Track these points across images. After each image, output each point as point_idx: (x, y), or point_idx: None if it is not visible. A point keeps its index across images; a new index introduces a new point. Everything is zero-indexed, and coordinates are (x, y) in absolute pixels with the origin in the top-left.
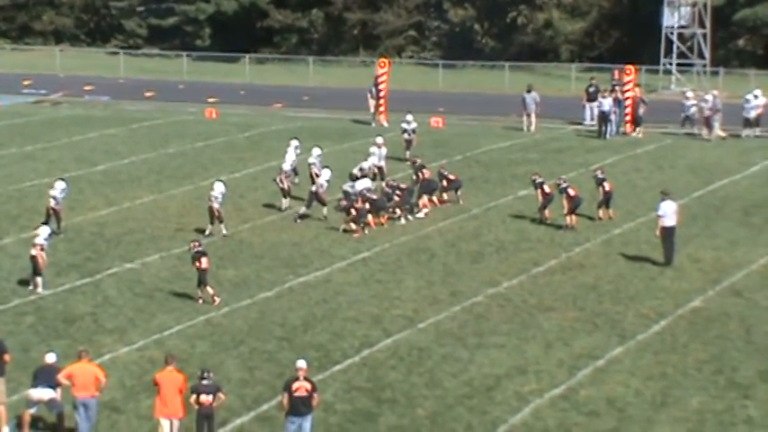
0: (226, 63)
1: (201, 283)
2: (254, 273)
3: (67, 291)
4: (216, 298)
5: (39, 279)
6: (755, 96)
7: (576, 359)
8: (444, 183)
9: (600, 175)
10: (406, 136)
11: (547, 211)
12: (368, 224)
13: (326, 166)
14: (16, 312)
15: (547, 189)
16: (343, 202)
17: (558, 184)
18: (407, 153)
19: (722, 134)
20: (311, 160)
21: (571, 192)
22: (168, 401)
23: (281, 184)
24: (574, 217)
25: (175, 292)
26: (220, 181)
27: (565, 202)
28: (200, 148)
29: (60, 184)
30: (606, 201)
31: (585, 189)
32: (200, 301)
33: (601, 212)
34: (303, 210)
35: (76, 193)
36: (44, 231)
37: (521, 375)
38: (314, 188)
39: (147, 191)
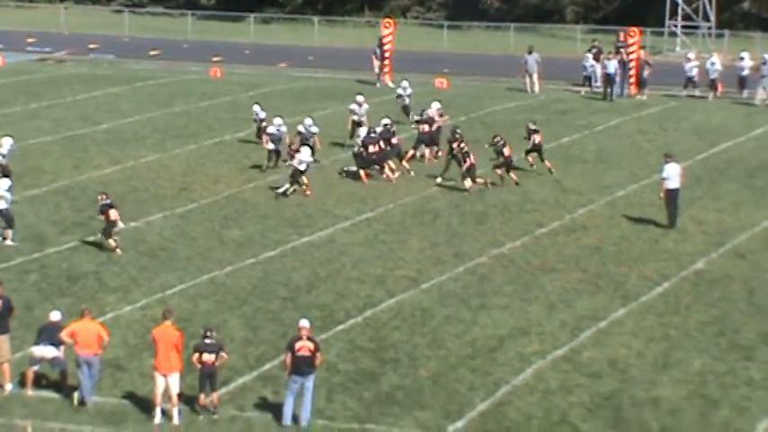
0: (231, 22)
1: (107, 233)
2: (258, 232)
3: (71, 249)
4: (118, 250)
5: (9, 231)
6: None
7: (579, 321)
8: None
9: (531, 127)
10: (405, 101)
11: (499, 170)
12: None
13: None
14: (20, 270)
15: (506, 152)
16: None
17: (496, 143)
18: (410, 118)
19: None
20: (300, 129)
21: (506, 152)
22: (163, 357)
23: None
24: (512, 174)
25: (179, 251)
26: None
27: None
28: (204, 108)
29: (8, 141)
30: (537, 150)
31: (589, 151)
32: (119, 251)
33: (530, 158)
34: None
35: (80, 151)
36: (4, 183)
37: (523, 336)
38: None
39: (151, 150)
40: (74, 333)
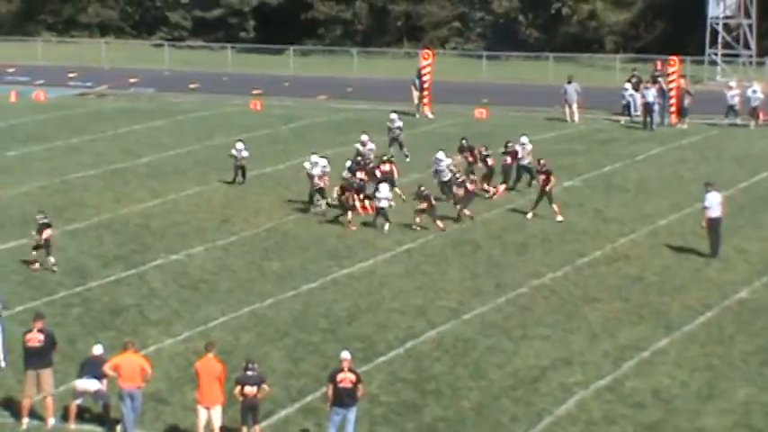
0: (270, 55)
1: (47, 252)
2: (298, 264)
3: (113, 282)
4: (54, 268)
5: None
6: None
7: (622, 351)
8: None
9: (484, 152)
10: (394, 134)
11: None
12: (356, 209)
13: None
14: (63, 304)
15: (469, 186)
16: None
17: (457, 177)
18: (403, 150)
19: None
20: (313, 169)
21: (469, 186)
22: (206, 389)
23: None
24: (465, 211)
25: (220, 283)
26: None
27: (457, 191)
28: (244, 140)
29: None
30: (489, 174)
31: (630, 180)
32: (37, 264)
33: (485, 185)
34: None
35: (122, 185)
36: None
37: (566, 367)
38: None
39: (192, 183)
40: (117, 366)
